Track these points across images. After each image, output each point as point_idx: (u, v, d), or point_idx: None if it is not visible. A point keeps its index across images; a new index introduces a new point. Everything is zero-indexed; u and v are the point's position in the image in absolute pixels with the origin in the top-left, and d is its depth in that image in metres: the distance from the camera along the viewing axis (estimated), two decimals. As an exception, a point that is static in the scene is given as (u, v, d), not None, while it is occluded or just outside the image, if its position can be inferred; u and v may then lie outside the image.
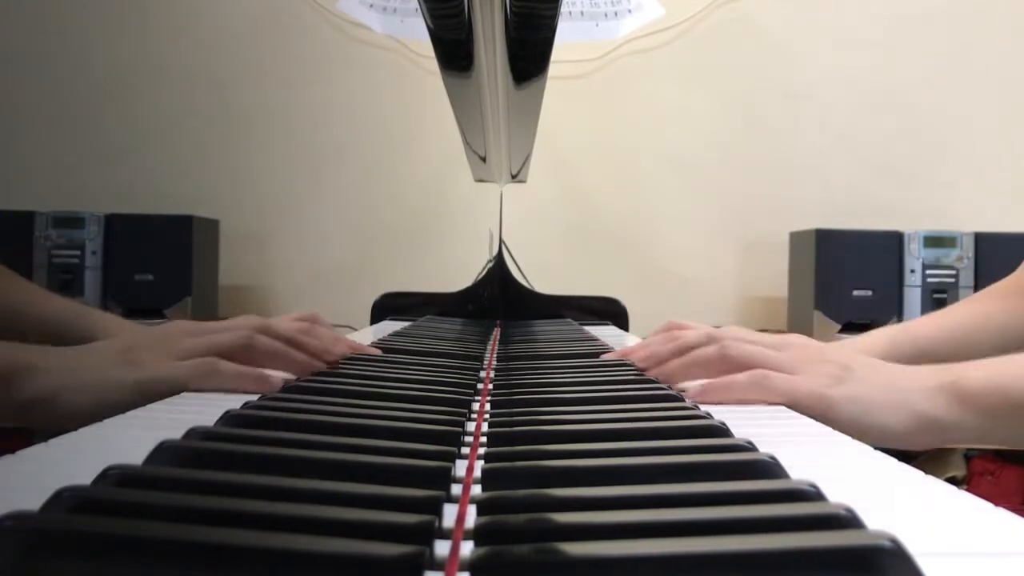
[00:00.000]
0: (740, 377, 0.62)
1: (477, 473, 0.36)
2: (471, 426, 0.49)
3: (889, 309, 2.22)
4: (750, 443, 0.39)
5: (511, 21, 0.67)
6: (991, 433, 0.61)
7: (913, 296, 2.26)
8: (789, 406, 0.60)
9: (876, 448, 0.45)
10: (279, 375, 0.64)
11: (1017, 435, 0.62)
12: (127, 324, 0.84)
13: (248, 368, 0.62)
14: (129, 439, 0.44)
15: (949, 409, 0.60)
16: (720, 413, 0.50)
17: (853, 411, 0.59)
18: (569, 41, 2.12)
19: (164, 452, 0.36)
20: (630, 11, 2.11)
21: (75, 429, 0.46)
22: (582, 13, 2.08)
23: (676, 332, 0.73)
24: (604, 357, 0.79)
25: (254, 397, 0.55)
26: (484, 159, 1.28)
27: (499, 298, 1.47)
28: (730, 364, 0.64)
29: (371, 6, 2.13)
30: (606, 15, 2.10)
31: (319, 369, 0.68)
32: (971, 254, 2.27)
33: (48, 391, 0.59)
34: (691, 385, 0.65)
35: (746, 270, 2.54)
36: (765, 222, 2.52)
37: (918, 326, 0.92)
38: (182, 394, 0.59)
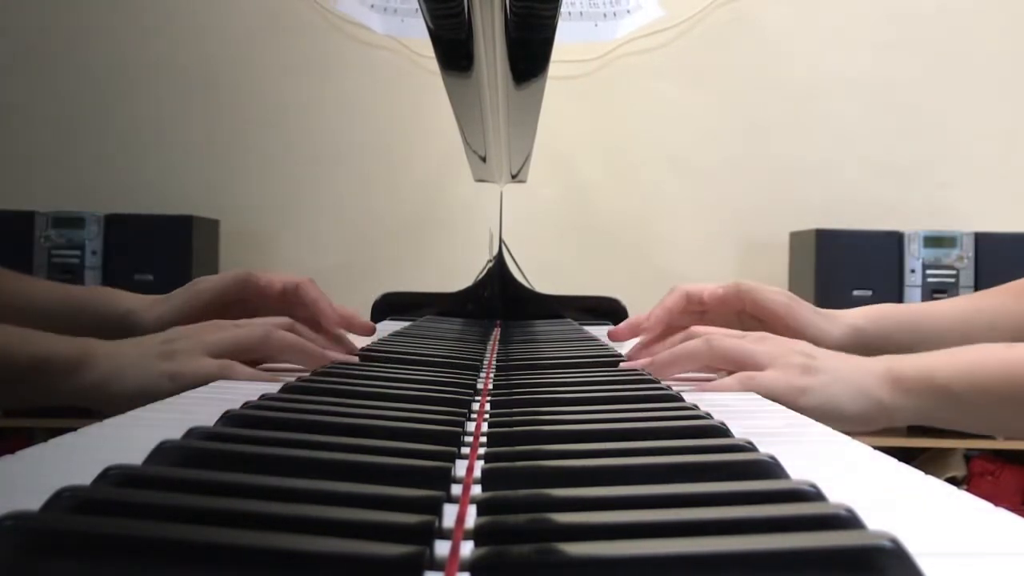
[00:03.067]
0: (729, 381, 0.67)
1: (477, 473, 0.36)
2: (471, 426, 0.49)
3: (889, 309, 2.22)
4: (750, 443, 0.39)
5: (511, 21, 0.67)
6: (927, 416, 0.67)
7: (913, 296, 2.26)
8: (764, 396, 0.64)
9: (875, 448, 0.45)
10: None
11: (949, 418, 0.69)
12: (134, 295, 0.86)
13: (260, 373, 0.67)
14: (129, 439, 0.43)
15: (891, 394, 0.66)
16: (720, 413, 0.50)
17: (820, 399, 0.65)
18: (568, 42, 2.12)
19: (164, 452, 0.36)
20: (629, 11, 2.11)
21: (118, 412, 0.50)
22: (581, 14, 2.08)
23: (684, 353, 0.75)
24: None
25: (254, 397, 0.55)
26: (484, 159, 1.28)
27: (499, 298, 1.46)
28: (715, 355, 0.69)
29: (372, 7, 2.13)
30: (605, 15, 2.10)
31: (332, 361, 0.71)
32: (971, 254, 2.27)
33: (102, 378, 0.65)
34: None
35: (746, 270, 2.54)
36: (765, 222, 2.52)
37: (913, 305, 0.98)
38: (182, 394, 0.60)
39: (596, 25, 2.13)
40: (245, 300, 0.81)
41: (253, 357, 0.69)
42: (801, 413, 0.58)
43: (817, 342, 0.75)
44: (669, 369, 0.70)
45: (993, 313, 0.84)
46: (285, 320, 0.73)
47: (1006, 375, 0.65)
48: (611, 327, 0.89)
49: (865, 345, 0.81)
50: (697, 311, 0.83)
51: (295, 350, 0.70)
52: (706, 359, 0.70)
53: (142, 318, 0.81)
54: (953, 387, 0.65)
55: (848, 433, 0.49)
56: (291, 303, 0.80)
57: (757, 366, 0.67)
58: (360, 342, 0.85)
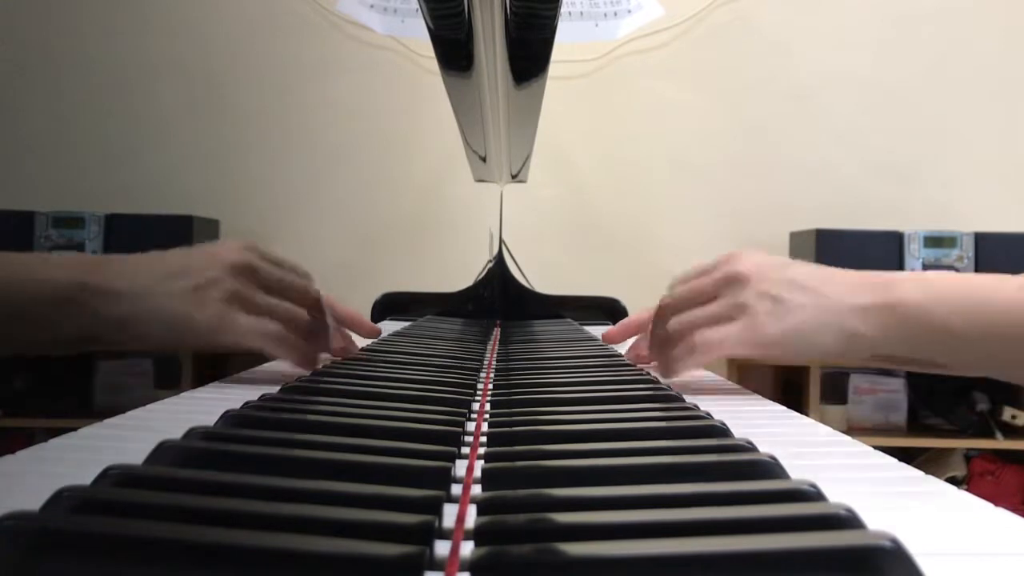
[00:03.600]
0: (679, 351, 0.66)
1: (477, 473, 0.36)
2: (471, 426, 0.49)
3: (889, 309, 2.22)
4: (750, 443, 0.39)
5: (511, 21, 0.67)
6: (916, 351, 0.64)
7: (913, 296, 2.25)
8: (732, 356, 0.63)
9: (875, 448, 0.45)
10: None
11: (939, 353, 0.64)
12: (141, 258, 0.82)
13: (309, 355, 0.65)
14: (129, 439, 0.43)
15: (883, 330, 0.63)
16: (720, 413, 0.50)
17: (789, 347, 0.63)
18: (569, 42, 2.12)
19: (164, 452, 0.36)
20: (630, 11, 2.11)
21: (143, 354, 0.47)
22: (581, 14, 2.08)
23: (657, 339, 0.74)
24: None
25: (254, 397, 0.55)
26: (484, 159, 1.28)
27: (499, 298, 1.46)
28: (706, 357, 0.67)
29: (372, 7, 2.13)
30: (605, 15, 2.10)
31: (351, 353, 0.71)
32: (971, 254, 2.27)
33: (125, 316, 0.60)
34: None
35: (746, 270, 2.54)
36: (765, 222, 2.52)
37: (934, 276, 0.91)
38: (182, 394, 0.60)
39: (597, 25, 2.13)
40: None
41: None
42: (770, 358, 0.59)
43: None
44: (674, 375, 0.69)
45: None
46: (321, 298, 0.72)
47: (1015, 314, 0.60)
48: (610, 327, 0.88)
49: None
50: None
51: (326, 336, 0.69)
52: (702, 362, 0.67)
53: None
54: (953, 326, 0.62)
55: (849, 434, 0.49)
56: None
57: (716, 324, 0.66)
58: (361, 343, 0.85)
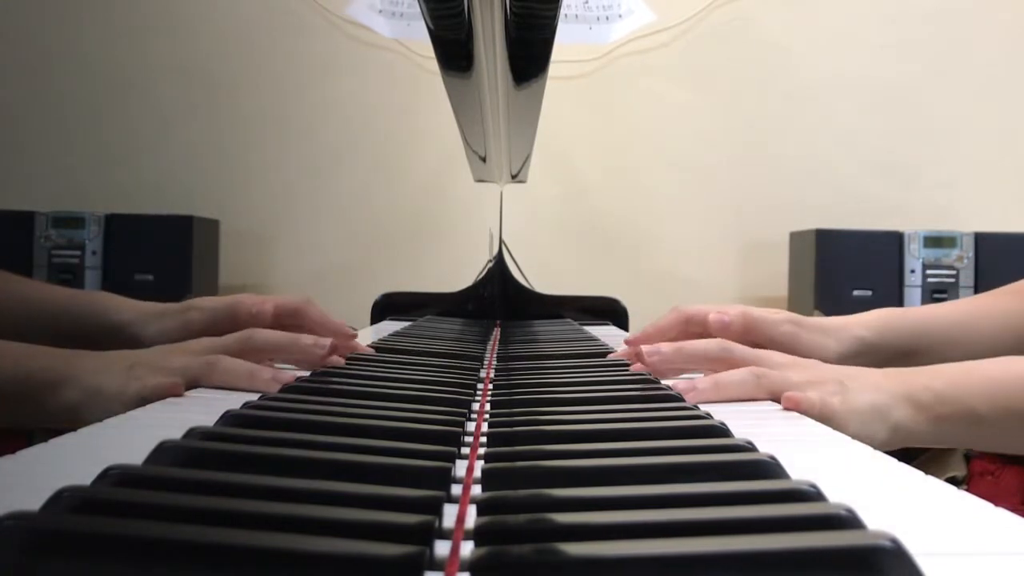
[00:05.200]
0: (736, 374, 0.62)
1: (477, 473, 0.36)
2: (471, 426, 0.49)
3: (889, 309, 2.22)
4: (750, 443, 0.39)
5: (511, 21, 0.67)
6: (951, 438, 0.64)
7: (913, 296, 2.26)
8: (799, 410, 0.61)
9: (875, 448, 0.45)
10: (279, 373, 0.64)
11: (972, 440, 0.66)
12: (130, 303, 0.84)
13: (245, 366, 0.63)
14: (129, 439, 0.44)
15: (913, 419, 0.63)
16: (720, 413, 0.50)
17: (854, 427, 0.61)
18: (563, 43, 2.12)
19: (164, 452, 0.36)
20: (621, 16, 2.11)
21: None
22: (576, 16, 2.08)
23: (692, 349, 0.71)
24: (611, 357, 0.79)
25: (254, 397, 0.55)
26: (484, 159, 1.28)
27: (499, 298, 1.46)
28: (761, 391, 0.64)
29: (380, 12, 2.13)
30: (598, 19, 2.11)
31: (324, 360, 0.68)
32: (971, 254, 2.27)
33: (76, 402, 0.61)
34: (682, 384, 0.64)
35: (746, 270, 2.54)
36: (765, 222, 2.52)
37: (916, 310, 0.94)
38: (182, 394, 0.59)
39: (591, 28, 2.14)
40: (238, 327, 0.75)
41: (202, 384, 0.65)
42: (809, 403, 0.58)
43: (820, 358, 0.73)
44: (712, 399, 0.65)
45: (997, 315, 0.83)
46: (242, 336, 0.69)
47: None
48: (607, 336, 0.87)
49: (870, 355, 0.79)
50: (696, 333, 0.78)
51: (283, 348, 0.68)
52: (753, 394, 0.64)
53: (142, 331, 0.79)
54: (977, 408, 0.63)
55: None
56: (287, 325, 0.77)
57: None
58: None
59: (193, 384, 0.63)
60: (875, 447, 0.63)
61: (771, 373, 0.64)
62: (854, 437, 0.60)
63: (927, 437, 0.64)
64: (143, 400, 0.59)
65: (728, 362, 0.66)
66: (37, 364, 0.63)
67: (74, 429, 0.60)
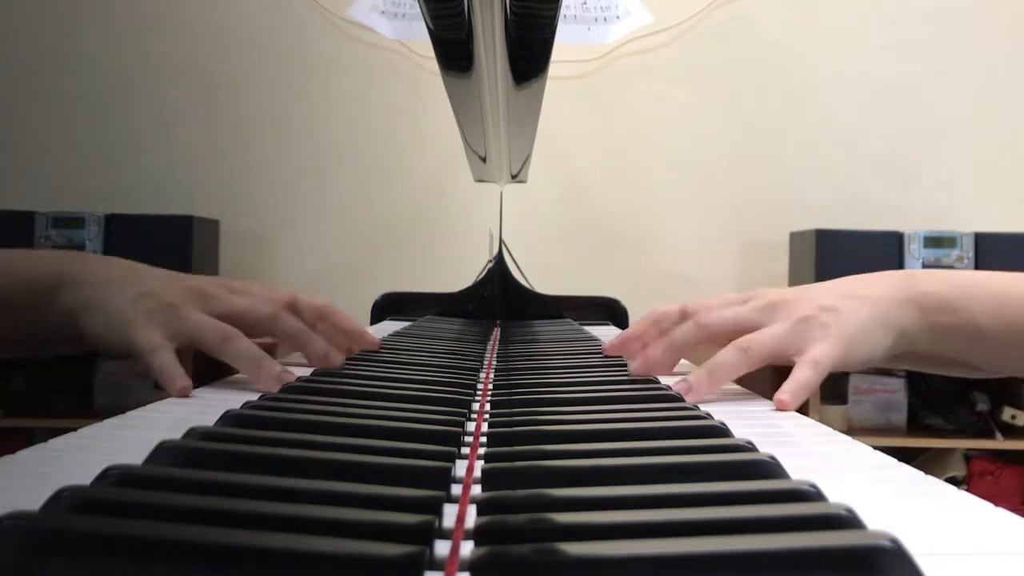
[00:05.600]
0: (723, 354, 0.61)
1: (477, 473, 0.36)
2: (471, 426, 0.49)
3: (889, 309, 2.22)
4: (750, 443, 0.39)
5: (511, 21, 0.67)
6: (943, 348, 0.62)
7: (913, 296, 2.26)
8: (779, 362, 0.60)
9: (876, 448, 0.45)
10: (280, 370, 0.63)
11: (971, 353, 0.63)
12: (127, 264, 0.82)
13: (258, 354, 0.62)
14: (129, 439, 0.44)
15: (915, 321, 0.61)
16: (720, 413, 0.50)
17: (862, 348, 0.60)
18: (562, 44, 2.12)
19: (164, 452, 0.36)
20: (618, 17, 2.12)
21: (96, 354, 0.48)
22: (575, 17, 2.08)
23: (653, 316, 0.71)
24: (606, 348, 0.78)
25: (254, 397, 0.55)
26: (484, 159, 1.28)
27: (499, 298, 1.46)
28: (709, 334, 0.64)
29: (382, 13, 2.13)
30: (596, 20, 2.11)
31: (334, 364, 0.68)
32: (971, 254, 2.27)
33: (74, 308, 0.61)
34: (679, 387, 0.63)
35: (746, 270, 2.54)
36: (765, 222, 2.52)
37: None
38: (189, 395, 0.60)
39: (589, 29, 2.14)
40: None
41: (254, 335, 0.65)
42: (821, 367, 0.57)
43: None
44: (667, 366, 0.65)
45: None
46: (293, 299, 0.69)
47: None
48: (607, 336, 0.87)
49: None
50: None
51: (299, 341, 0.66)
52: (746, 369, 0.62)
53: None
54: (981, 322, 0.61)
55: (853, 436, 0.48)
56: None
57: (798, 347, 0.61)
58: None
59: (197, 345, 0.62)
60: (881, 355, 0.61)
61: (755, 341, 0.62)
62: (863, 358, 0.60)
63: (925, 344, 0.62)
64: (148, 350, 0.59)
65: (707, 338, 0.65)
66: (34, 270, 0.61)
67: (67, 345, 0.60)
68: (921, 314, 0.61)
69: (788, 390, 0.59)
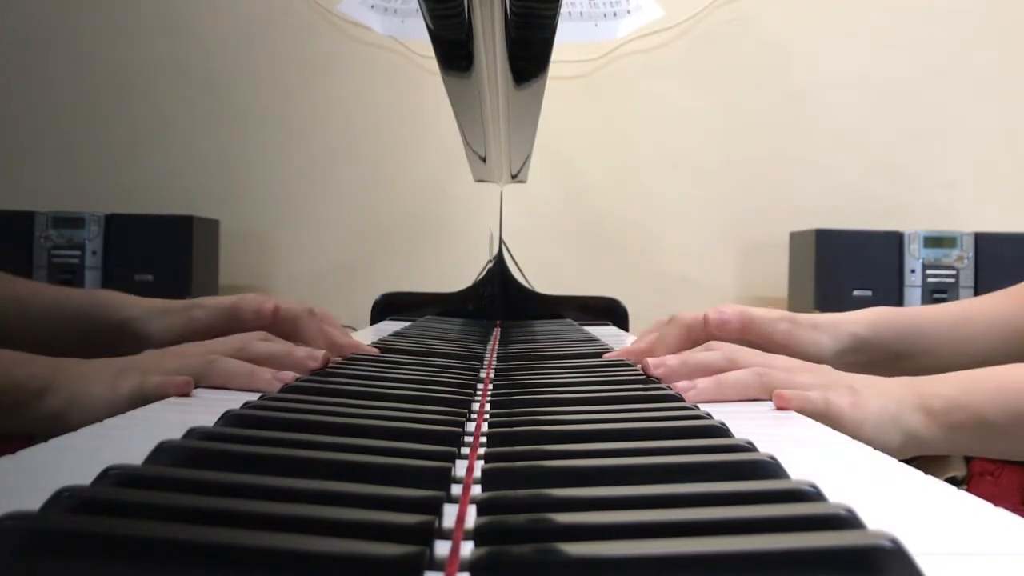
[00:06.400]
0: (740, 374, 0.62)
1: (477, 473, 0.36)
2: (471, 426, 0.49)
3: (889, 309, 2.22)
4: (750, 443, 0.39)
5: (511, 21, 0.67)
6: (962, 446, 0.64)
7: (913, 296, 2.26)
8: (796, 409, 0.60)
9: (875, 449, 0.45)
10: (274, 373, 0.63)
11: (983, 447, 0.65)
12: (135, 299, 0.84)
13: (247, 366, 0.62)
14: (129, 439, 0.44)
15: (925, 426, 0.62)
16: (720, 413, 0.50)
17: (869, 432, 0.61)
18: (568, 42, 2.12)
19: (164, 452, 0.36)
20: (629, 12, 2.11)
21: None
22: (581, 14, 2.08)
23: (698, 363, 0.70)
24: (607, 356, 0.78)
25: (254, 397, 0.55)
26: (484, 159, 1.28)
27: (499, 298, 1.46)
28: (765, 391, 0.63)
29: (372, 7, 2.13)
30: (605, 15, 2.10)
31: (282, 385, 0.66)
32: (971, 254, 2.27)
33: (61, 408, 0.61)
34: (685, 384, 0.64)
35: (746, 270, 2.54)
36: (765, 222, 2.52)
37: (910, 309, 0.94)
38: (191, 393, 0.59)
39: (596, 25, 2.13)
40: (240, 326, 0.76)
41: (202, 385, 0.64)
42: (830, 406, 0.58)
43: (815, 356, 0.73)
44: (713, 398, 0.64)
45: (993, 317, 0.83)
46: (246, 337, 0.69)
47: None
48: (607, 336, 0.87)
49: (864, 351, 0.80)
50: (697, 338, 0.77)
51: (240, 377, 0.64)
52: (756, 394, 0.64)
53: (147, 326, 0.79)
54: (988, 416, 0.62)
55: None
56: (286, 331, 0.76)
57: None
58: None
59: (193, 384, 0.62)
60: (890, 454, 0.63)
61: (774, 373, 0.64)
62: (868, 442, 0.60)
63: (940, 444, 0.64)
64: (144, 399, 0.59)
65: (768, 388, 0.65)
66: (22, 372, 0.62)
67: (49, 434, 0.60)
68: (930, 417, 0.63)
69: (791, 396, 0.60)
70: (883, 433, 0.62)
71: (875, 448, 0.60)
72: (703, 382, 0.62)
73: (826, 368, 0.68)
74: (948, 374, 0.66)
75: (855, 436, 0.60)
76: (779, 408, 0.59)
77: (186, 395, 0.59)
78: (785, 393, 0.60)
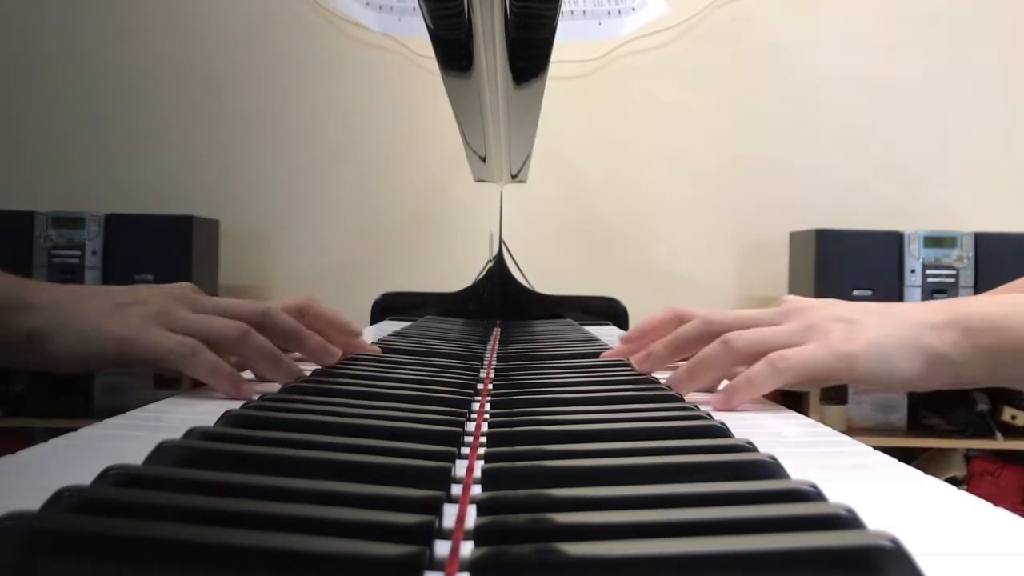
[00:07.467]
0: (756, 368, 0.59)
1: (477, 473, 0.36)
2: (471, 426, 0.49)
3: (889, 309, 2.22)
4: (750, 443, 0.39)
5: (511, 21, 0.67)
6: (999, 373, 0.59)
7: (913, 296, 2.26)
8: (812, 379, 0.58)
9: (876, 448, 0.45)
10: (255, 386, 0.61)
11: (1019, 376, 0.60)
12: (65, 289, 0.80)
13: (225, 367, 0.60)
14: (129, 439, 0.44)
15: (957, 345, 0.58)
16: (720, 413, 0.50)
17: (872, 363, 0.58)
18: (572, 40, 2.12)
19: (164, 452, 0.36)
20: (634, 9, 2.11)
21: (59, 371, 0.46)
22: (584, 12, 2.08)
23: (675, 336, 0.68)
24: (604, 355, 0.78)
25: (254, 397, 0.55)
26: (484, 159, 1.28)
27: (499, 298, 1.46)
28: (738, 358, 0.61)
29: (367, 4, 2.13)
30: (609, 13, 2.10)
31: (302, 377, 0.65)
32: (971, 254, 2.27)
33: (37, 328, 0.59)
34: (707, 397, 0.62)
35: (746, 270, 2.54)
36: (765, 222, 2.52)
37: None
38: (182, 394, 0.59)
39: (600, 23, 2.13)
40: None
41: (223, 353, 0.62)
42: (852, 383, 0.54)
43: None
44: (690, 385, 0.63)
45: None
46: (267, 312, 0.66)
47: None
48: (607, 336, 0.87)
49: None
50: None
51: (269, 359, 0.63)
52: (731, 365, 0.61)
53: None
54: None
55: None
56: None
57: (789, 346, 0.59)
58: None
59: (211, 345, 0.60)
60: (910, 379, 0.58)
61: (742, 334, 0.60)
62: (875, 376, 0.56)
63: (975, 370, 0.59)
64: (126, 348, 0.57)
65: (713, 335, 0.63)
66: None
67: (28, 362, 0.58)
68: (965, 337, 0.58)
69: (757, 381, 0.57)
70: (894, 360, 0.58)
71: (882, 380, 0.57)
72: (675, 376, 0.61)
73: (813, 305, 0.63)
74: (993, 296, 0.62)
75: (860, 370, 0.56)
76: (720, 409, 0.57)
77: (246, 398, 0.56)
78: (717, 399, 0.57)
